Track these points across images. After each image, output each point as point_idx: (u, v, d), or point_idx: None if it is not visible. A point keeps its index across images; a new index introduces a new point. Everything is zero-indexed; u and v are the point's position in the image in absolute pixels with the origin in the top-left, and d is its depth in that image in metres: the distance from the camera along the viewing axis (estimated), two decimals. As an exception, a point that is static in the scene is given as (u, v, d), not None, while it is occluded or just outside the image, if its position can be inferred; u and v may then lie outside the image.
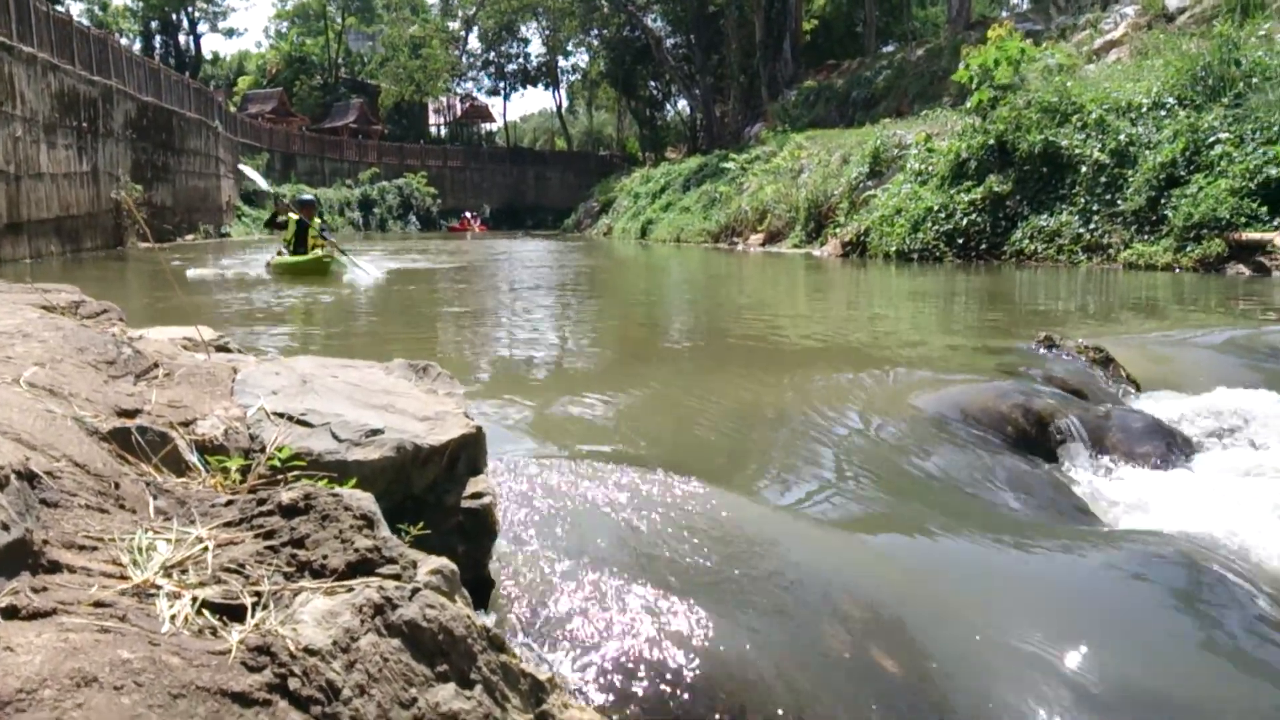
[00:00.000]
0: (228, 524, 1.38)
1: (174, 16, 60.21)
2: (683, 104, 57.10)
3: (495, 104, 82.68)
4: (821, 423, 4.29)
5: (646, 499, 2.78)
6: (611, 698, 1.83)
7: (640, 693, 1.84)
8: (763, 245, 23.06)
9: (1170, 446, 4.54)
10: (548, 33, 57.77)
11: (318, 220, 13.14)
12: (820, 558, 2.77)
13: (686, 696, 1.86)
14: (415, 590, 1.29)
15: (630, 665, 1.90)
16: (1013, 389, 4.80)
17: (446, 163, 58.14)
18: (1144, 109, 14.30)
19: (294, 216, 12.75)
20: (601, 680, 1.86)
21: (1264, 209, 11.58)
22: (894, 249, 16.58)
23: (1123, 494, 4.01)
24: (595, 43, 55.84)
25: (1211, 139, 12.79)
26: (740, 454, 4.00)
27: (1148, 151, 13.56)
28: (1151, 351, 6.21)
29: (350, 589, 1.24)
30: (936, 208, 16.16)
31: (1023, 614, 2.60)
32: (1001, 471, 4.00)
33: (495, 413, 4.36)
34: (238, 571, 1.24)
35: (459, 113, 66.88)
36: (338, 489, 1.45)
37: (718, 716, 1.84)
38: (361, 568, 1.30)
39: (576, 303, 11.12)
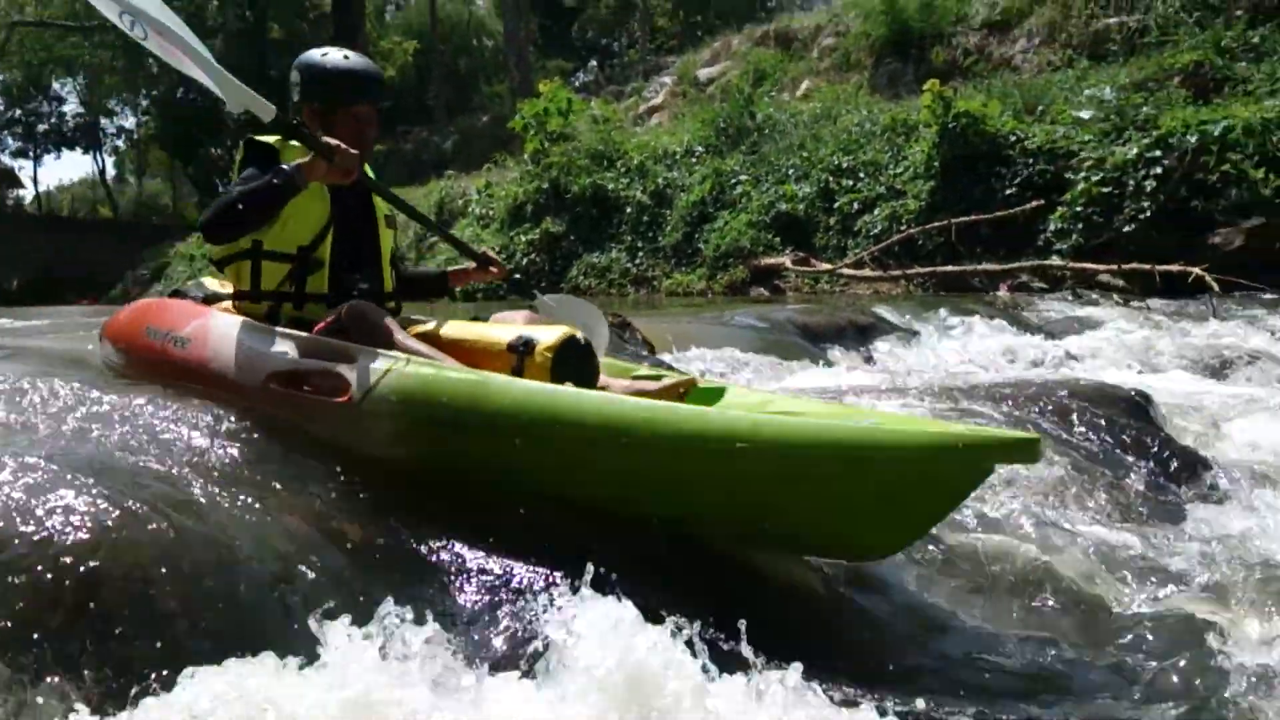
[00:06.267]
0: None
1: None
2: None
3: (26, 167, 73.37)
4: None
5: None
6: None
7: None
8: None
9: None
10: (86, 90, 52.22)
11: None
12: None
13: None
14: None
15: None
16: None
17: (-41, 229, 50.13)
18: (678, 155, 15.55)
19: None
20: None
21: (777, 239, 12.92)
22: (459, 290, 16.38)
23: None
24: (145, 103, 51.37)
25: (733, 180, 14.13)
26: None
27: (682, 193, 14.68)
28: (668, 325, 6.42)
29: None
30: (498, 249, 16.26)
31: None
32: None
33: None
34: None
35: (-22, 175, 58.27)
36: None
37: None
38: None
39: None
